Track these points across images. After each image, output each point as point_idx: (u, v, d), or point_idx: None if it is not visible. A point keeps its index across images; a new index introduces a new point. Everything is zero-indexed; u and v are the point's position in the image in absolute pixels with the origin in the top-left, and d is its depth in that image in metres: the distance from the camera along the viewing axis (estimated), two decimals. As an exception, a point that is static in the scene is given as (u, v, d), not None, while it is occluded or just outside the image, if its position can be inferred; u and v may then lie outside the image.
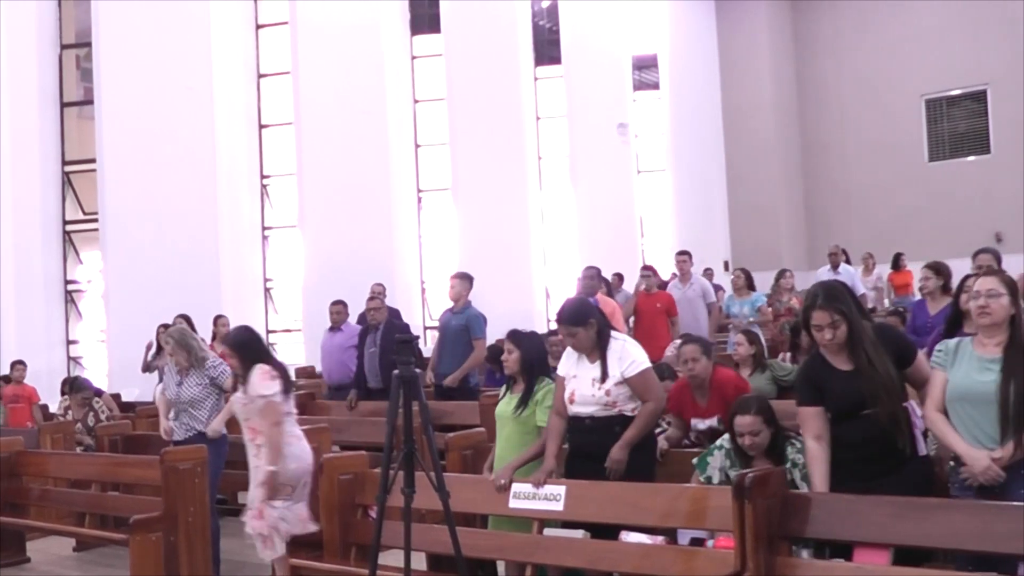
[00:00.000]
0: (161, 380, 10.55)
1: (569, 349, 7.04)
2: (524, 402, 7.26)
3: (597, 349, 6.86)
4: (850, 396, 5.74)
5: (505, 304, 20.57)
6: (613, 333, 7.00)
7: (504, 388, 7.65)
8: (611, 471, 6.59)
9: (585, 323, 6.85)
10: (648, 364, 6.86)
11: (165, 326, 14.61)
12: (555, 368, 7.21)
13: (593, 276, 13.47)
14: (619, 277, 18.76)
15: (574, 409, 6.86)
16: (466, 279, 12.47)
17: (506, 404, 7.41)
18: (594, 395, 6.77)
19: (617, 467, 6.59)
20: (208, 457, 9.00)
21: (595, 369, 6.82)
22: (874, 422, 5.65)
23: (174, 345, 9.54)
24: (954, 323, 7.40)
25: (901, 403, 5.72)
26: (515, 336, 7.49)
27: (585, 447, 6.83)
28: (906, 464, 5.71)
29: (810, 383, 5.97)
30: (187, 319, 14.07)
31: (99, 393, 14.05)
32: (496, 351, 11.20)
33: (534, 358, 7.35)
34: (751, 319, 13.60)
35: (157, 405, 10.38)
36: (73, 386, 13.45)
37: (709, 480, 6.54)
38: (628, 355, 6.81)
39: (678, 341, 9.35)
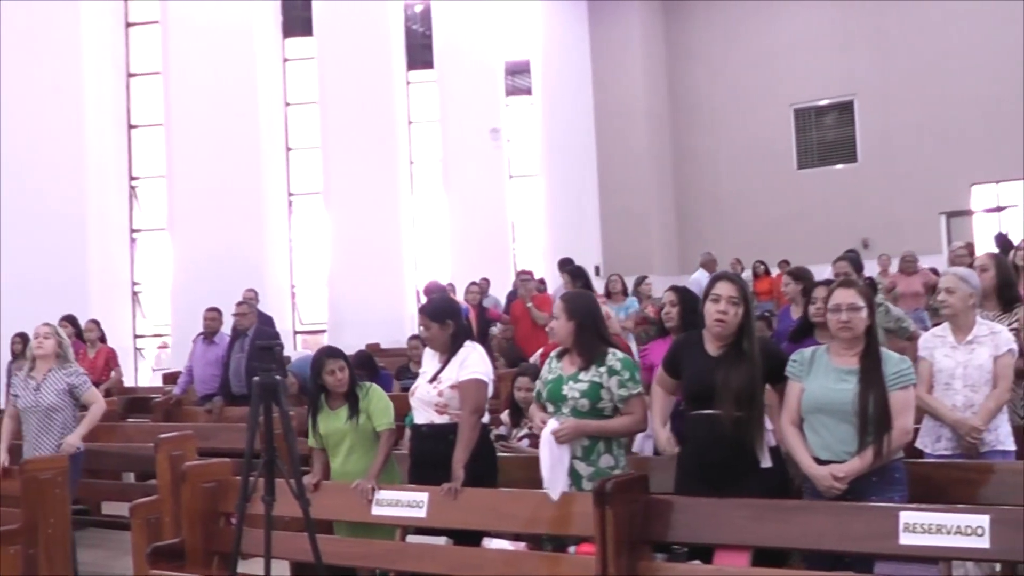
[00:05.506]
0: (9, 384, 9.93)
1: (429, 349, 7.07)
2: (355, 411, 7.17)
3: (448, 352, 6.88)
4: (702, 379, 5.80)
5: (376, 309, 20.58)
6: (468, 342, 6.98)
7: (312, 408, 7.37)
8: (453, 490, 6.48)
9: (441, 321, 6.86)
10: (485, 378, 6.80)
11: (21, 335, 14.33)
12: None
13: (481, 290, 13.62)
14: (486, 282, 18.74)
15: (413, 414, 6.92)
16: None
17: (334, 420, 7.21)
18: (428, 392, 6.80)
19: (456, 484, 6.49)
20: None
21: (438, 367, 6.88)
22: (722, 422, 5.68)
23: (52, 330, 9.25)
24: (803, 332, 7.47)
25: (754, 413, 5.70)
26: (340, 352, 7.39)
27: (424, 455, 6.85)
28: (749, 475, 5.71)
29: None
30: (73, 321, 14.17)
31: None
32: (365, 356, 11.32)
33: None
34: (624, 324, 13.69)
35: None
36: None
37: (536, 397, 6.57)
38: (469, 364, 6.80)
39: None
